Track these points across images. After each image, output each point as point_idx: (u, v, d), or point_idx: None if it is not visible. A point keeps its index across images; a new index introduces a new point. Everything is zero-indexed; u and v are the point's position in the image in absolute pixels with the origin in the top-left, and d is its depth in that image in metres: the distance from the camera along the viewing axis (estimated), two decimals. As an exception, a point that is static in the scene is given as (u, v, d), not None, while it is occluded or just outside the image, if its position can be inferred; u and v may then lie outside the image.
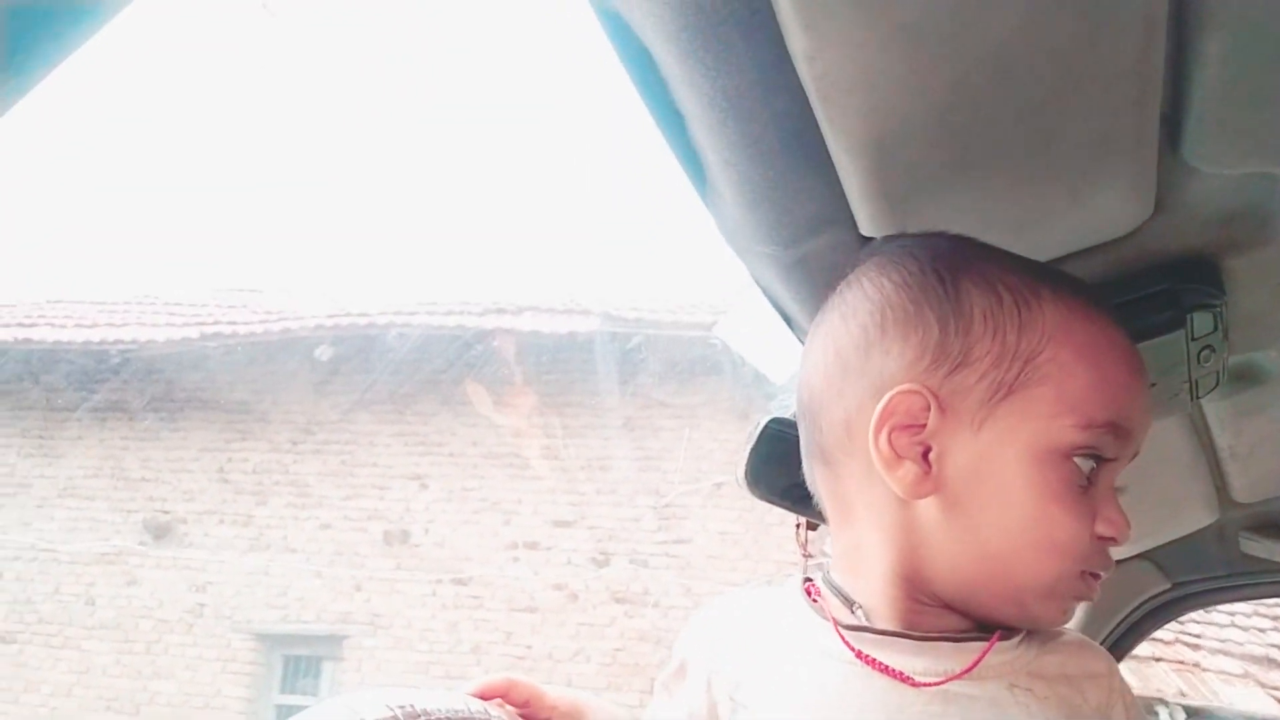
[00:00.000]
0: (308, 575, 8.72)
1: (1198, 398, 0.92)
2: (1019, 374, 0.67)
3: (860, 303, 0.71)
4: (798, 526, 0.84)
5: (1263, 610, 6.93)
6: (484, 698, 0.66)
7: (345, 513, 8.89)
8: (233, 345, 8.77)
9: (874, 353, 0.70)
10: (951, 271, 0.69)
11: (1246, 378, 0.97)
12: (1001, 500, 0.67)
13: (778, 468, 0.98)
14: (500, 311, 8.54)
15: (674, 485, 8.16)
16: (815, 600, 0.75)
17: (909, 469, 0.68)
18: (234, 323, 8.90)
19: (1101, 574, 0.70)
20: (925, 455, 0.68)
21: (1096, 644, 0.78)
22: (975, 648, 0.68)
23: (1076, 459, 0.66)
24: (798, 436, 0.82)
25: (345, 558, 8.75)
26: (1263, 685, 6.28)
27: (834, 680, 0.69)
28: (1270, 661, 6.52)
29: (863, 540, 0.73)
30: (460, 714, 0.57)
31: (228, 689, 8.54)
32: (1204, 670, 6.45)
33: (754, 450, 1.00)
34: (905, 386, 0.67)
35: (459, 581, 8.51)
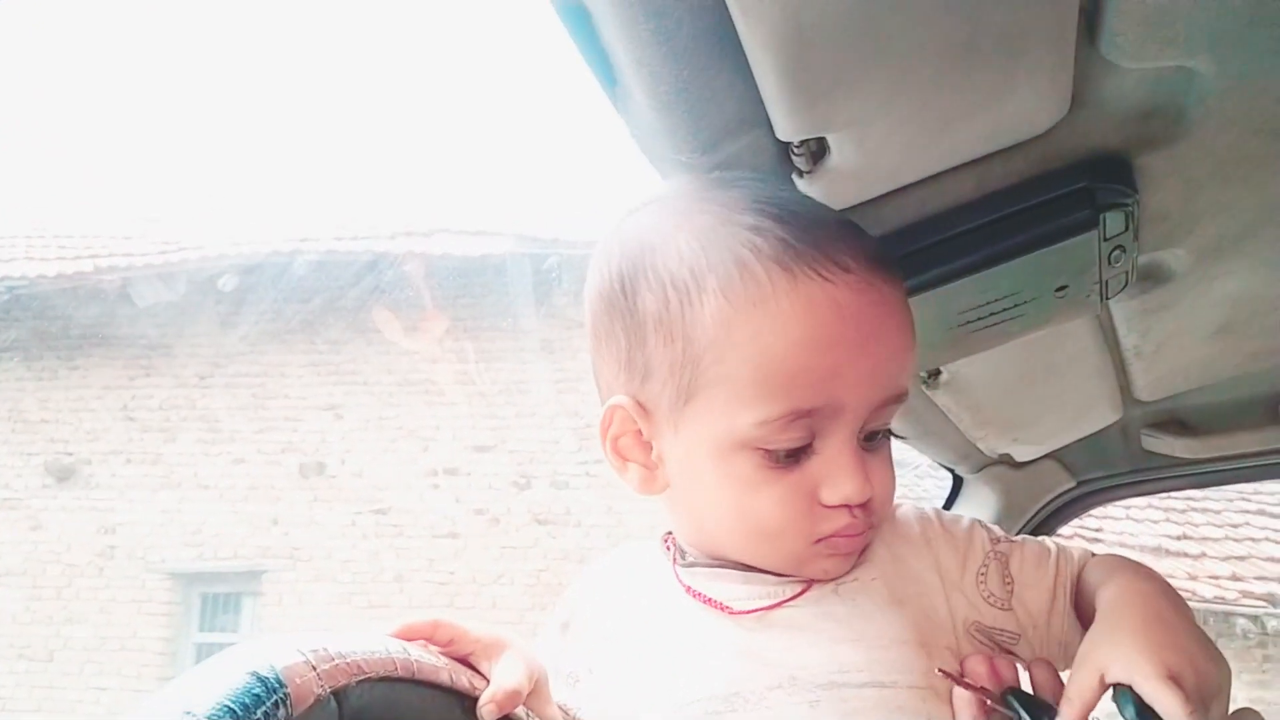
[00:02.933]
0: (222, 512, 8.58)
1: (1107, 298, 0.93)
2: (691, 380, 0.68)
3: (585, 304, 0.77)
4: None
5: (1156, 504, 7.28)
6: (408, 638, 0.64)
7: (258, 446, 8.73)
8: (130, 278, 8.44)
9: (596, 360, 0.77)
10: (632, 275, 0.71)
11: (1154, 277, 0.98)
12: (708, 495, 0.71)
13: None
14: (409, 234, 8.36)
15: (594, 406, 8.15)
16: (669, 548, 0.81)
17: (634, 472, 0.75)
18: (130, 254, 8.56)
19: (853, 534, 0.71)
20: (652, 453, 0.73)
21: (901, 506, 0.81)
22: (796, 584, 0.73)
23: (766, 448, 0.68)
24: None
25: (260, 492, 8.62)
26: (1156, 574, 6.61)
27: (669, 612, 0.75)
28: (1162, 550, 6.87)
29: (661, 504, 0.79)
30: (377, 656, 0.54)
31: (145, 630, 8.41)
32: (1102, 563, 6.75)
33: None
34: (612, 401, 0.73)
35: (379, 511, 8.46)
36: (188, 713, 0.41)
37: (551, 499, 8.24)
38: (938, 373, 1.07)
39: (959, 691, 0.68)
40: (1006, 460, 1.58)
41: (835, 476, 0.68)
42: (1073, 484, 1.65)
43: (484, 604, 8.07)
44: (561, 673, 0.79)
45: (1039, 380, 1.18)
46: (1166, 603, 0.67)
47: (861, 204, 0.79)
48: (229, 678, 0.44)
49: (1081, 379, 1.23)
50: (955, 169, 0.78)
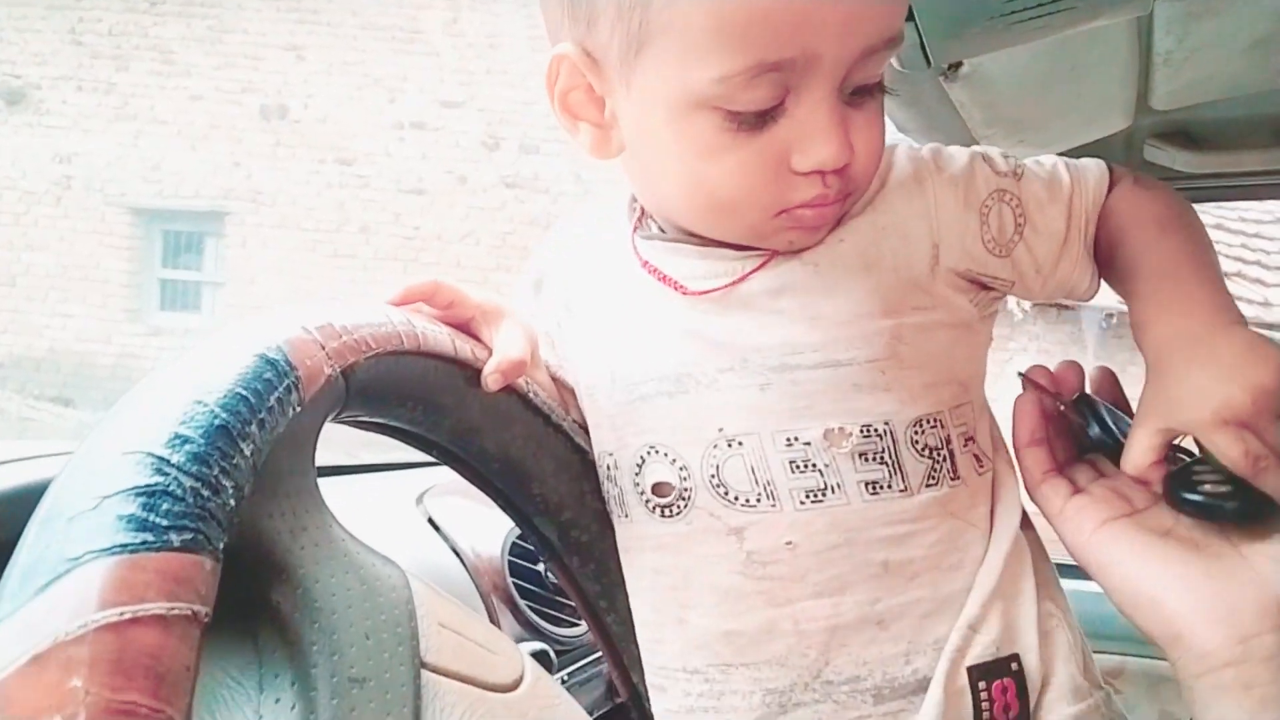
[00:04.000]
0: (181, 149, 8.38)
1: (1159, -5, 0.86)
2: (641, 24, 0.58)
3: None
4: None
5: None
6: (407, 301, 0.62)
7: (217, 83, 8.38)
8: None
9: (543, 5, 0.67)
10: None
11: (1208, -24, 0.91)
12: (663, 162, 0.63)
13: None
14: None
15: (567, 68, 7.85)
16: (634, 211, 0.74)
17: (586, 132, 0.66)
18: None
19: (824, 204, 0.62)
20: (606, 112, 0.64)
21: (892, 149, 0.71)
22: (758, 257, 0.66)
23: (728, 108, 0.58)
24: None
25: (221, 131, 8.39)
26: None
27: (624, 285, 0.70)
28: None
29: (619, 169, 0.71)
30: (384, 330, 0.51)
31: (107, 262, 8.46)
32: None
33: None
34: (557, 50, 0.63)
35: (343, 161, 8.31)
36: (198, 401, 0.37)
37: (520, 162, 8.13)
38: (959, 64, 1.00)
39: (1019, 400, 0.67)
40: (1004, 161, 1.55)
41: (810, 139, 0.59)
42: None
43: (449, 261, 8.16)
44: (539, 331, 0.75)
45: (1061, 81, 1.12)
46: (1205, 298, 0.63)
47: None
48: (236, 361, 0.40)
49: (1103, 82, 1.17)
50: None
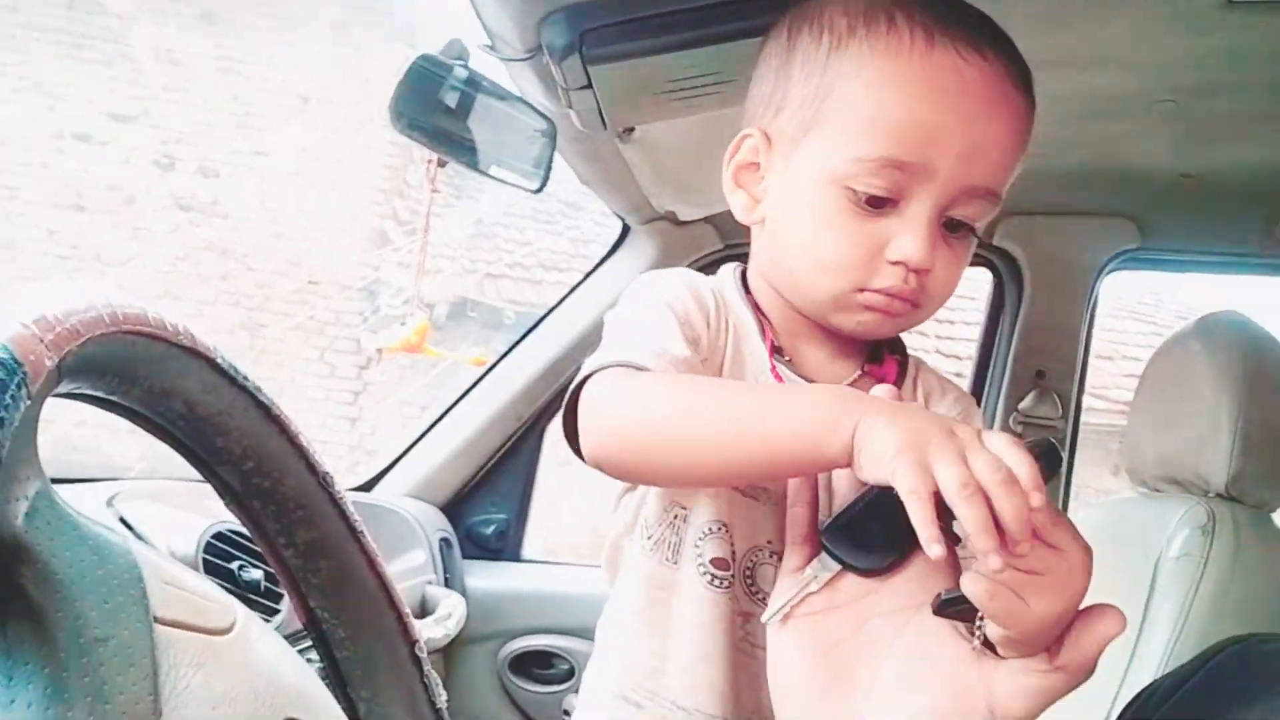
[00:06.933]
0: None
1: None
2: (814, 113, 0.75)
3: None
4: (429, 162, 0.90)
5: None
6: None
7: None
8: None
9: (750, 94, 0.84)
10: (799, 21, 0.79)
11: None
12: (791, 223, 0.79)
13: (421, 105, 1.10)
14: None
15: (257, 92, 7.57)
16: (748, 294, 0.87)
17: (739, 197, 0.84)
18: None
19: (896, 294, 0.76)
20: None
21: (970, 406, 0.89)
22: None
23: (854, 187, 0.74)
24: (444, 77, 0.97)
25: None
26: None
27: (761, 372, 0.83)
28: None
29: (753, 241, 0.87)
30: (89, 313, 0.51)
31: None
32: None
33: (401, 85, 1.10)
34: (745, 130, 0.82)
35: (-10, 169, 7.50)
36: None
37: (198, 185, 7.68)
38: (632, 129, 1.12)
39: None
40: (670, 217, 1.82)
41: (905, 234, 0.74)
42: (721, 246, 1.96)
43: (109, 285, 7.53)
44: (697, 322, 0.83)
45: (717, 153, 1.27)
46: None
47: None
48: None
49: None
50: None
